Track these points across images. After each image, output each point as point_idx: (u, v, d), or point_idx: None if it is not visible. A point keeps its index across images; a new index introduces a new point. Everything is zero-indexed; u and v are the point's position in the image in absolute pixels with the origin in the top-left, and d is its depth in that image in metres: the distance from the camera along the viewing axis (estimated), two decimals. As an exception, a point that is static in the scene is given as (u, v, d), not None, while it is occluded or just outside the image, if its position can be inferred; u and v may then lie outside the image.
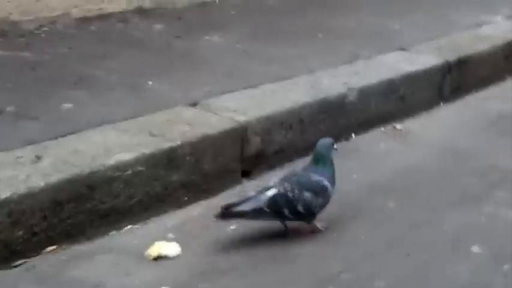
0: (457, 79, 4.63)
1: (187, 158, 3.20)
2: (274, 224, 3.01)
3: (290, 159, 3.61)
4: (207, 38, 4.64)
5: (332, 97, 3.86)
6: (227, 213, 2.94)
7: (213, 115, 3.45)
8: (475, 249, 2.96)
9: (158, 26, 4.80)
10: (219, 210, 2.94)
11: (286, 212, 2.98)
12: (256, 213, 2.96)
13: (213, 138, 3.30)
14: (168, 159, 3.14)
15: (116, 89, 3.69)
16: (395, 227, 3.12)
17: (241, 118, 3.44)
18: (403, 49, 4.69)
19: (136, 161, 3.03)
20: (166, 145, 3.15)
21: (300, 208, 2.99)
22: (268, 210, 2.96)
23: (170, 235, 2.97)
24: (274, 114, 3.56)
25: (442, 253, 2.94)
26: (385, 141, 3.96)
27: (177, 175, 3.17)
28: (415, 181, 3.54)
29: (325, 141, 3.10)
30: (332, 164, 3.08)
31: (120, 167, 2.98)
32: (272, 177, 3.42)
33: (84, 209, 2.89)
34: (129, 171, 3.00)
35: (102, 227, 2.95)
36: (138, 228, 3.02)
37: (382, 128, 4.10)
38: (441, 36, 5.00)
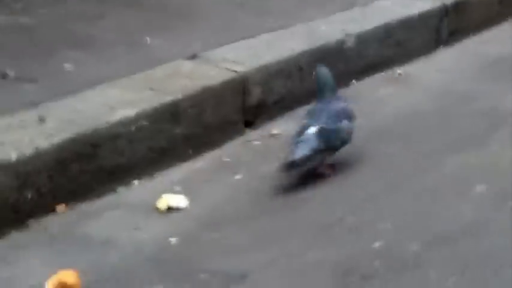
0: (454, 23, 4.62)
1: (189, 111, 3.21)
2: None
3: (291, 107, 3.62)
4: (203, -8, 4.63)
5: (330, 44, 3.86)
6: (291, 164, 2.96)
7: (212, 67, 3.46)
8: (478, 188, 2.99)
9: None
10: (281, 165, 2.98)
11: (338, 143, 3.05)
12: (315, 154, 2.98)
13: (214, 89, 3.31)
14: (170, 113, 3.15)
15: (114, 48, 3.69)
16: (398, 170, 3.15)
17: (241, 69, 3.44)
18: (400, -6, 4.68)
19: (139, 117, 3.04)
20: (168, 99, 3.16)
21: (345, 136, 3.07)
22: (323, 147, 2.99)
23: (177, 188, 2.99)
24: (273, 64, 3.56)
25: (445, 194, 2.97)
26: (385, 87, 3.97)
27: (180, 128, 3.18)
28: (417, 125, 3.56)
29: (325, 69, 3.17)
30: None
31: (123, 123, 3.00)
32: (274, 126, 3.47)
33: (90, 167, 2.91)
34: (132, 127, 3.02)
35: (109, 184, 2.97)
36: (144, 183, 3.05)
37: (382, 74, 4.10)
38: (438, -20, 4.97)
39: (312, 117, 3.07)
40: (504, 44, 4.60)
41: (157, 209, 2.84)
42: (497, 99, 3.81)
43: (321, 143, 2.98)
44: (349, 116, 3.11)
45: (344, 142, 3.08)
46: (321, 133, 2.99)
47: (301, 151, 2.95)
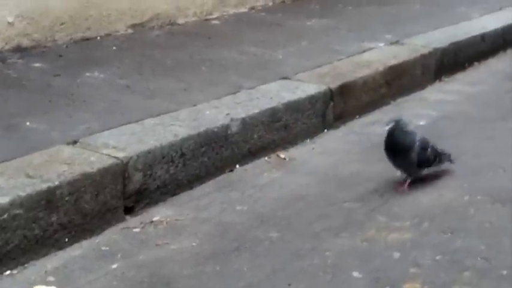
0: (340, 106, 4.70)
1: (67, 198, 3.16)
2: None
3: (173, 193, 3.60)
4: (88, 74, 4.59)
5: (214, 129, 3.86)
6: None
7: (92, 153, 3.42)
8: (355, 274, 3.01)
9: (37, 65, 4.73)
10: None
11: None
12: None
13: (93, 176, 3.27)
14: (46, 200, 3.09)
15: (-9, 131, 3.63)
16: (277, 256, 3.14)
17: (121, 154, 3.42)
18: (285, 78, 4.74)
19: (13, 204, 2.98)
20: (44, 186, 3.10)
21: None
22: None
23: (50, 278, 2.92)
24: (155, 149, 3.54)
25: (322, 281, 2.97)
26: (269, 171, 3.99)
27: (56, 216, 3.12)
28: (299, 209, 3.57)
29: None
30: None
31: (-4, 211, 2.93)
32: (155, 213, 3.44)
33: (-41, 257, 2.83)
34: (5, 215, 2.95)
35: (-21, 274, 2.89)
36: (16, 273, 2.96)
37: (266, 158, 4.13)
38: (324, 64, 5.06)
39: None
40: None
41: (27, 301, 2.76)
42: (379, 182, 3.86)
43: None
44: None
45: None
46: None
47: None
